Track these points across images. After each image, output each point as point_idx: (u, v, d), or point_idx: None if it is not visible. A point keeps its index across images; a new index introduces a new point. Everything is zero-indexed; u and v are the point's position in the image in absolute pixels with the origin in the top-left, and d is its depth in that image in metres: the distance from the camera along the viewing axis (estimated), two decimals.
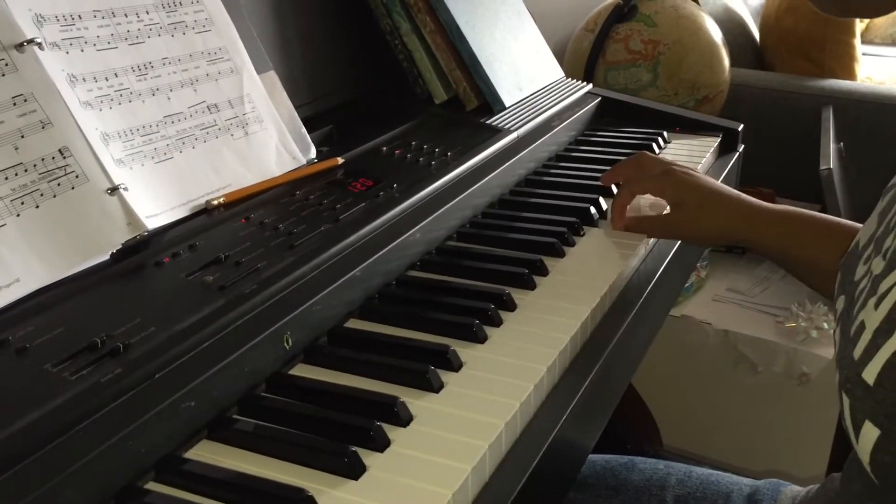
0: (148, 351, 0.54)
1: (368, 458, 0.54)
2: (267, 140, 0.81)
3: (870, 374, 0.49)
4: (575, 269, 0.81)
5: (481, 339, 0.68)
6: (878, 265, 0.54)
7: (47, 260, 0.60)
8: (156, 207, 0.69)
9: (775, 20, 2.08)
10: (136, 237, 0.65)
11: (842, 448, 1.46)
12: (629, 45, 1.65)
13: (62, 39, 0.68)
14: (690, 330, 1.58)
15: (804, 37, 2.01)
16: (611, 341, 0.72)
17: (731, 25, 2.06)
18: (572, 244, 0.86)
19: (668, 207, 0.87)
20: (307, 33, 0.98)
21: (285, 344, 0.63)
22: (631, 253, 0.84)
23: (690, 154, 1.14)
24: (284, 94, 0.85)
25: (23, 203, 0.60)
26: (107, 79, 0.70)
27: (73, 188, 0.63)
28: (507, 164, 0.97)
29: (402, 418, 0.57)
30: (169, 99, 0.74)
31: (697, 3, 1.76)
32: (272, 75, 0.85)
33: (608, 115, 1.27)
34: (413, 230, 0.78)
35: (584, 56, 1.69)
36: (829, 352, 1.48)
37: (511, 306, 0.73)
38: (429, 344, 0.66)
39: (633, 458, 0.90)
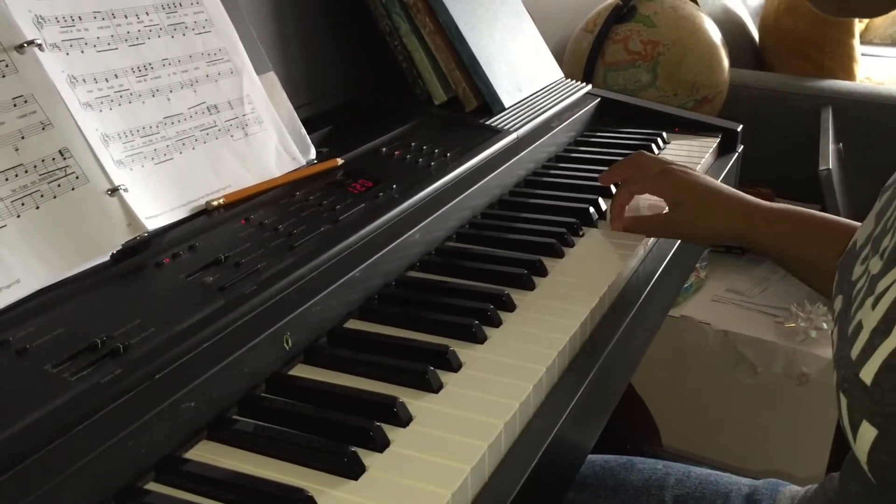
0: (148, 351, 0.54)
1: (368, 458, 0.54)
2: (267, 141, 0.81)
3: (867, 373, 0.49)
4: (574, 269, 0.81)
5: (481, 339, 0.68)
6: (875, 265, 0.54)
7: (47, 261, 0.60)
8: (156, 208, 0.69)
9: (774, 20, 2.08)
10: (136, 238, 0.65)
11: (841, 448, 1.46)
12: (628, 45, 1.65)
13: (62, 40, 0.68)
14: (690, 330, 1.58)
15: (803, 37, 2.02)
16: (610, 342, 0.72)
17: (731, 26, 2.06)
18: (571, 245, 0.86)
19: (667, 207, 0.88)
20: (307, 34, 0.98)
21: (285, 344, 0.63)
22: (630, 253, 0.85)
23: (690, 155, 1.14)
24: (284, 94, 0.85)
25: (23, 204, 0.60)
26: (107, 80, 0.70)
27: (73, 189, 0.63)
28: (506, 164, 0.97)
29: (402, 419, 0.57)
30: (169, 100, 0.74)
31: (696, 3, 1.76)
32: (272, 76, 0.85)
33: (607, 115, 1.27)
34: (412, 231, 0.78)
35: (583, 57, 1.69)
36: (828, 352, 1.47)
37: (510, 307, 0.73)
38: (428, 344, 0.66)
39: (631, 459, 0.90)
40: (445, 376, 0.62)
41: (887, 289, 0.51)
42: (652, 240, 0.90)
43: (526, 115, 1.07)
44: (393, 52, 1.06)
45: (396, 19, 1.03)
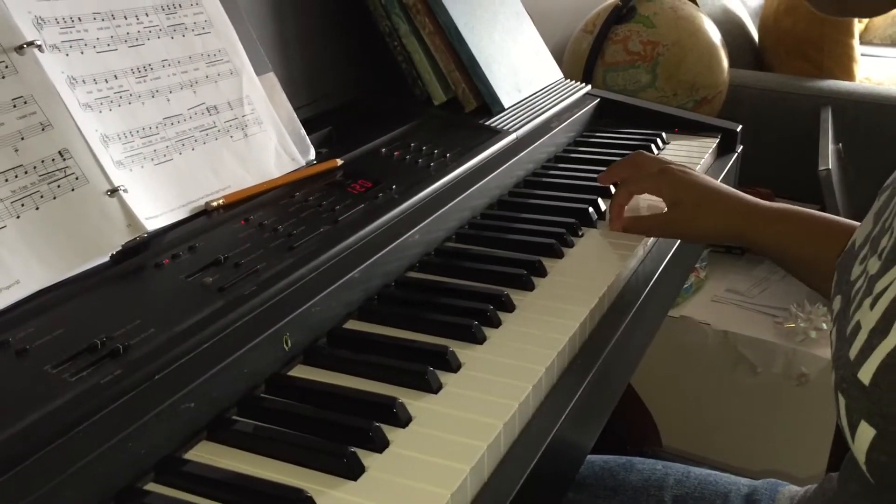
0: (148, 352, 0.54)
1: (367, 458, 0.54)
2: (266, 142, 0.81)
3: (865, 374, 0.50)
4: (573, 270, 0.82)
5: (480, 340, 0.68)
6: (873, 265, 0.54)
7: (47, 261, 0.60)
8: (155, 209, 0.69)
9: (774, 21, 2.08)
10: (135, 239, 0.66)
11: (840, 448, 1.46)
12: (628, 46, 1.65)
13: (62, 41, 0.68)
14: (689, 331, 1.58)
15: (803, 37, 2.02)
16: (609, 342, 0.72)
17: (730, 26, 2.06)
18: (571, 245, 0.87)
19: (666, 207, 0.88)
20: (306, 35, 0.98)
21: (284, 345, 0.63)
22: (629, 254, 0.85)
23: (689, 155, 1.14)
24: (284, 95, 0.85)
25: (23, 205, 0.60)
26: (106, 81, 0.70)
27: (72, 190, 0.63)
28: (505, 165, 0.97)
29: (401, 419, 0.57)
30: (168, 101, 0.74)
31: (696, 4, 1.77)
32: (271, 77, 0.85)
33: (607, 116, 1.27)
34: (412, 231, 0.78)
35: (582, 57, 1.69)
36: (827, 352, 1.46)
37: (510, 307, 0.73)
38: (428, 345, 0.66)
39: (631, 459, 0.90)
40: (445, 377, 0.63)
41: (885, 289, 0.51)
42: (651, 240, 0.90)
43: (525, 115, 1.07)
44: (392, 53, 1.06)
45: (396, 20, 1.04)
